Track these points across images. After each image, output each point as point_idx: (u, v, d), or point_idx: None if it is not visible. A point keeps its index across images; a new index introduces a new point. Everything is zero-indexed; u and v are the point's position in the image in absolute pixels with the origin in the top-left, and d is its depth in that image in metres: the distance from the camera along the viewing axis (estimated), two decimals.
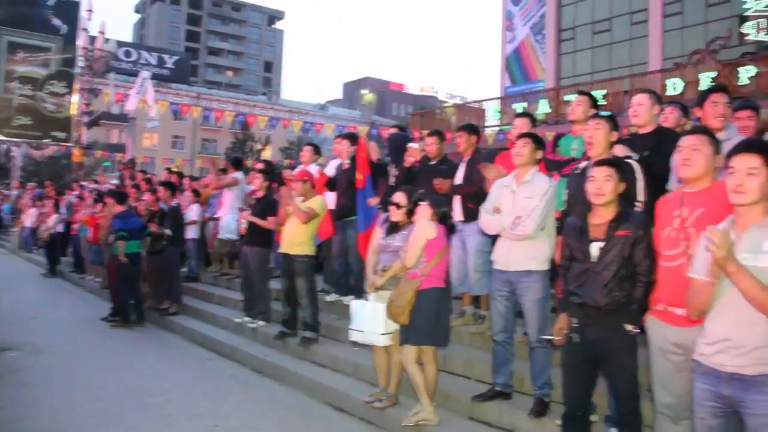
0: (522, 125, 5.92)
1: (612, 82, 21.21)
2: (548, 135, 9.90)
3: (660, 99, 5.07)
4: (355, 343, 5.80)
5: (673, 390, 3.47)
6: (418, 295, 4.96)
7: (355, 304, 5.61)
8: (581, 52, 26.47)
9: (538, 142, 4.98)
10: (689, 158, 3.40)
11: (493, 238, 5.10)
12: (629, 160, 4.25)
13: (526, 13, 28.38)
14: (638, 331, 3.72)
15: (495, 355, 5.10)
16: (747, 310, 2.71)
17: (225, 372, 7.24)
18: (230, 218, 10.17)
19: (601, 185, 3.77)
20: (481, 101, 27.60)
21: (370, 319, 5.34)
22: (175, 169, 14.80)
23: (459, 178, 6.31)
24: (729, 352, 2.78)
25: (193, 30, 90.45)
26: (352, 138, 8.27)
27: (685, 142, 3.47)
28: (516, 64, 28.58)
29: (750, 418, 2.73)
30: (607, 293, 3.69)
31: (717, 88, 4.73)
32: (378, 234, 5.61)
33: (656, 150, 4.55)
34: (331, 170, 8.52)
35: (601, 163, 3.88)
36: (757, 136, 4.72)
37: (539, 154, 4.95)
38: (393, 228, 5.43)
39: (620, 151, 4.46)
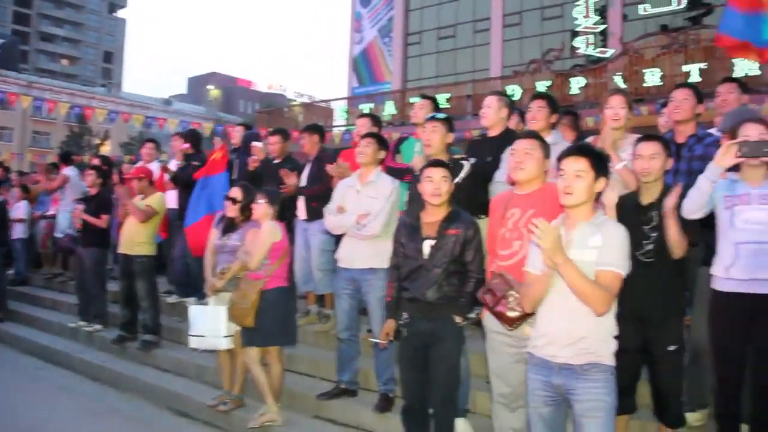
0: (364, 125, 5.99)
1: (455, 87, 22.02)
2: (394, 136, 10.11)
3: (512, 103, 5.27)
4: (196, 349, 5.64)
5: (508, 380, 3.65)
6: (263, 295, 4.90)
7: (194, 310, 5.46)
8: (427, 56, 27.26)
9: (382, 142, 5.06)
10: (522, 161, 3.56)
11: (337, 237, 5.13)
12: (464, 162, 4.43)
13: (375, 15, 28.80)
14: (465, 322, 3.89)
15: (340, 353, 5.13)
16: (574, 303, 2.86)
17: (56, 382, 6.78)
18: (64, 216, 9.51)
19: (439, 185, 3.88)
20: (329, 101, 27.72)
21: (212, 323, 5.21)
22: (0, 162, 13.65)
23: (304, 178, 6.29)
24: (558, 344, 2.92)
25: (22, 12, 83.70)
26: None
27: (518, 145, 3.63)
28: (364, 65, 28.94)
29: (577, 404, 2.90)
30: (437, 289, 3.84)
31: (537, 95, 5.02)
32: (214, 234, 5.48)
33: (496, 156, 4.79)
34: (174, 167, 8.21)
35: (438, 164, 3.98)
36: (578, 141, 5.07)
37: (382, 154, 5.02)
38: (229, 227, 5.34)
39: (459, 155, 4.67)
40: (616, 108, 4.41)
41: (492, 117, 5.07)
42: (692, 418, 4.03)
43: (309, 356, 6.02)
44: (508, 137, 4.95)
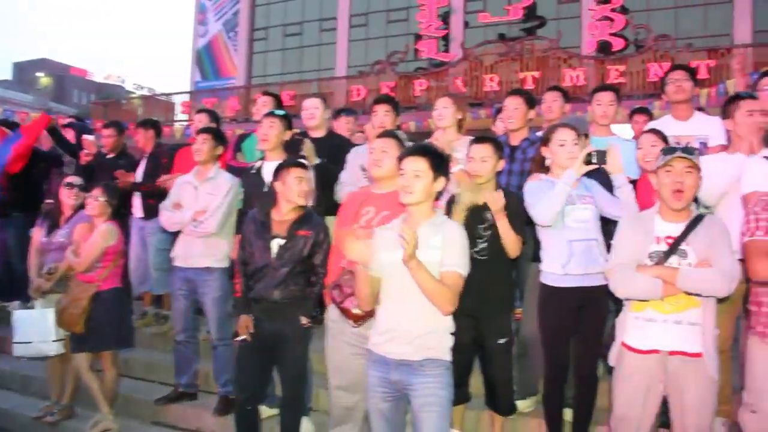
0: (201, 121, 5.86)
1: (301, 85, 22.00)
2: (238, 132, 9.93)
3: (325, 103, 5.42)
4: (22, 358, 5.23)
5: (346, 375, 3.67)
6: (95, 298, 4.65)
7: (19, 315, 5.05)
8: (272, 53, 26.93)
9: (219, 138, 4.96)
10: (380, 159, 3.61)
11: (174, 235, 4.97)
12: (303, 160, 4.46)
13: (220, 9, 28.06)
14: (310, 324, 3.91)
15: (177, 355, 4.97)
16: (413, 301, 2.93)
17: None
18: None
19: (303, 186, 3.88)
20: (170, 94, 26.79)
21: (39, 327, 4.88)
22: None
23: (140, 174, 6.03)
24: (397, 341, 2.98)
25: None
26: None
27: (377, 144, 3.68)
28: (207, 59, 28.11)
29: (415, 399, 2.98)
30: (283, 288, 3.83)
31: (379, 100, 5.12)
32: (39, 232, 5.13)
33: (331, 158, 4.86)
34: None
35: (292, 164, 3.96)
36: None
37: (219, 150, 4.92)
38: (54, 224, 5.04)
39: (308, 152, 4.70)
40: (439, 109, 4.68)
41: (319, 118, 5.22)
42: (522, 405, 4.27)
43: (146, 359, 5.79)
44: (333, 139, 5.14)
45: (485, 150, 3.82)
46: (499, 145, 3.94)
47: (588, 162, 3.60)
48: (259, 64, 27.06)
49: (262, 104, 5.67)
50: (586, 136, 4.16)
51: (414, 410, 3.01)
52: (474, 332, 3.78)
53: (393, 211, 3.44)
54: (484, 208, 3.79)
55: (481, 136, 4.04)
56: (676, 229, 3.10)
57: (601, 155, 3.60)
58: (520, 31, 20.19)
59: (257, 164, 4.69)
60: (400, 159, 3.08)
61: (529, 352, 4.19)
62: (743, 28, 17.74)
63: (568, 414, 3.95)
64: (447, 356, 3.03)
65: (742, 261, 3.15)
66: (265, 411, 4.47)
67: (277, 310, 3.87)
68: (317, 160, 4.72)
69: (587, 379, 3.79)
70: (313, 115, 5.27)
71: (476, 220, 3.78)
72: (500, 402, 3.96)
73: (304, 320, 3.88)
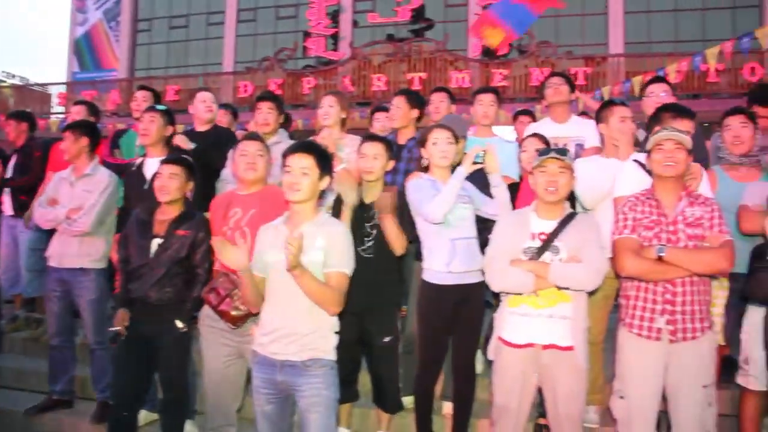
0: (79, 113, 5.59)
1: (186, 79, 21.41)
2: (119, 126, 9.54)
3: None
4: None
5: (223, 376, 3.62)
6: None
7: None
8: (157, 45, 26.04)
9: (94, 133, 4.74)
10: (254, 162, 3.61)
11: (48, 235, 4.71)
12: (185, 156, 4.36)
13: None
14: (185, 328, 3.81)
15: (52, 360, 4.72)
16: (297, 300, 2.91)
17: None
18: None
19: (167, 183, 3.79)
20: (46, 85, 25.39)
21: None
22: None
23: (10, 168, 5.69)
24: (282, 341, 2.96)
25: None
26: None
27: (249, 147, 3.67)
28: (87, 50, 26.79)
29: (301, 399, 2.97)
30: (159, 289, 3.74)
31: (262, 97, 5.09)
32: None
33: (214, 145, 4.78)
34: None
35: (168, 161, 3.89)
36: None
37: (84, 142, 4.66)
38: None
39: (180, 140, 4.64)
40: (325, 107, 4.75)
41: (214, 112, 5.22)
42: (407, 401, 4.33)
43: (17, 367, 5.48)
44: (218, 132, 5.12)
45: (377, 147, 3.85)
46: (390, 144, 3.99)
47: (475, 161, 3.69)
48: (142, 57, 26.12)
49: (142, 99, 5.50)
50: (464, 138, 4.27)
51: (300, 411, 3.01)
52: (360, 330, 3.81)
53: (259, 209, 3.49)
54: (371, 206, 3.82)
55: (373, 135, 4.09)
56: (550, 226, 3.27)
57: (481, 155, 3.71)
58: (408, 33, 20.49)
59: (138, 161, 4.53)
60: (285, 155, 3.05)
61: (415, 349, 4.26)
62: (617, 39, 18.82)
63: (448, 407, 4.05)
64: (332, 355, 3.04)
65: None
66: (147, 416, 4.34)
67: (154, 313, 3.76)
68: (191, 145, 4.65)
69: (465, 373, 3.89)
70: (211, 108, 5.23)
71: (363, 218, 3.81)
72: (387, 400, 4.00)
73: (180, 324, 3.77)
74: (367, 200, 3.85)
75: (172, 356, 3.81)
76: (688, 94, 15.57)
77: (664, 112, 3.85)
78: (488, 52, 18.14)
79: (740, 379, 3.63)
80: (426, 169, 3.90)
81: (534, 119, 6.13)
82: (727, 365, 3.98)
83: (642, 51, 17.92)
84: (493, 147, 3.84)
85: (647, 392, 3.24)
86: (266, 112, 4.85)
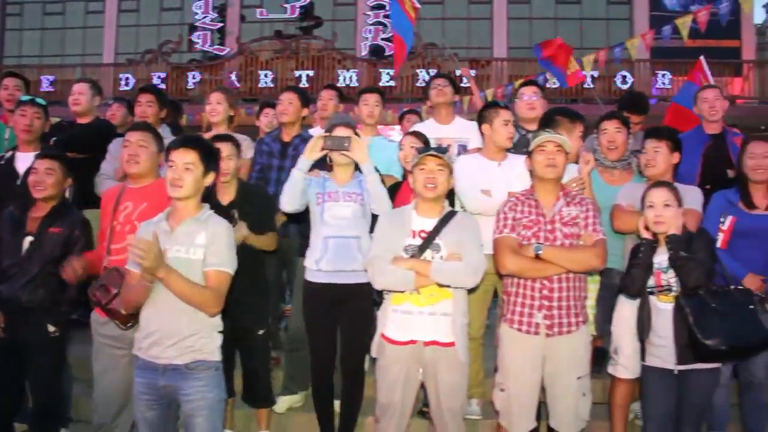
0: None
1: (62, 69, 20.37)
2: None
3: (100, 90, 5.17)
4: None
5: (113, 384, 3.48)
6: None
7: None
8: (29, 32, 24.62)
9: None
10: (137, 154, 3.48)
11: None
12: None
13: None
14: (57, 332, 3.66)
15: None
16: (174, 301, 2.83)
17: None
18: None
19: (43, 178, 3.62)
20: None
21: None
22: None
23: None
24: (162, 344, 2.87)
25: None
26: None
27: (131, 137, 3.53)
28: None
29: (186, 403, 2.90)
30: (31, 290, 3.55)
31: (144, 89, 5.02)
32: None
33: (96, 146, 4.61)
34: None
35: (44, 155, 3.73)
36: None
37: None
38: None
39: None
40: (213, 104, 4.79)
41: (85, 105, 4.97)
42: (292, 400, 4.34)
43: None
44: (98, 126, 4.95)
45: (228, 148, 3.83)
46: (236, 143, 3.99)
47: (323, 147, 3.67)
48: (12, 43, 24.60)
49: (14, 87, 5.17)
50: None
51: (185, 415, 2.93)
52: (233, 325, 3.75)
53: (150, 203, 3.40)
54: (230, 206, 3.82)
55: (221, 134, 4.09)
56: (430, 224, 3.34)
57: (338, 141, 3.63)
58: (296, 30, 20.33)
59: (7, 154, 4.28)
60: (168, 150, 2.98)
61: (298, 347, 4.25)
62: (500, 44, 19.46)
63: (337, 405, 4.06)
64: (216, 356, 2.98)
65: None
66: (18, 427, 4.09)
67: (24, 315, 3.56)
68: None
69: (352, 372, 3.91)
70: (78, 101, 4.94)
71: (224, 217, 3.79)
72: (258, 396, 4.02)
73: (51, 328, 3.60)
74: (223, 201, 3.84)
75: (43, 362, 3.61)
76: (567, 98, 16.33)
77: (558, 115, 3.99)
78: (376, 52, 18.32)
79: (611, 369, 3.83)
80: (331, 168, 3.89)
81: (421, 119, 6.24)
82: (599, 356, 4.20)
83: (524, 56, 18.60)
84: (359, 138, 3.77)
85: (526, 384, 3.37)
86: (145, 106, 4.73)
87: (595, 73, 16.01)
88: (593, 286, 3.93)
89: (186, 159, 2.89)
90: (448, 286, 3.27)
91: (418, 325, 3.30)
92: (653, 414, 3.51)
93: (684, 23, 8.24)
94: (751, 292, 3.47)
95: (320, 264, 3.73)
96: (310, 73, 17.47)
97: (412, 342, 3.31)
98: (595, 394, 3.68)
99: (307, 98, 4.89)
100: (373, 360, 3.55)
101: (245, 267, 3.69)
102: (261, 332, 3.94)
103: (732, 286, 3.47)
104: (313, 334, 3.91)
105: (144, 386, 2.93)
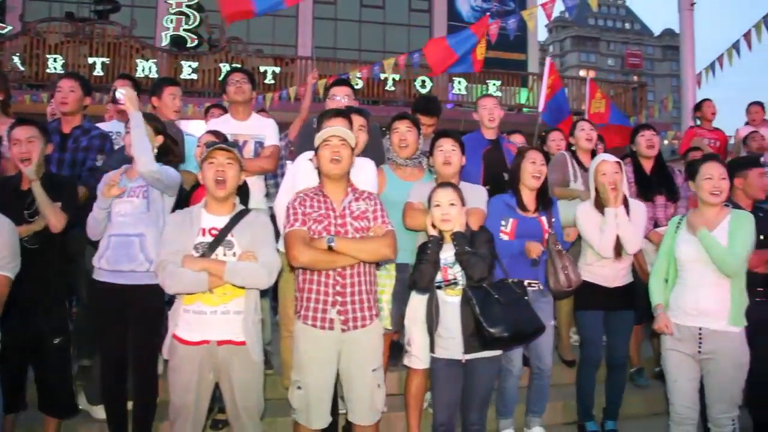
0: None
1: None
2: None
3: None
4: None
5: None
6: None
7: None
8: None
9: None
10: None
11: None
12: None
13: None
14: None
15: None
16: None
17: None
18: None
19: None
20: None
21: None
22: None
23: None
24: None
25: None
26: None
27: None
28: None
29: None
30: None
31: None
32: None
33: None
34: None
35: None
36: None
37: None
38: None
39: None
40: None
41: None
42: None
43: None
44: None
45: (30, 131, 3.69)
46: (45, 130, 3.82)
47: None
48: None
49: None
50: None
51: None
52: (27, 333, 3.53)
53: None
54: (29, 193, 3.62)
55: (21, 119, 3.88)
56: (222, 221, 3.31)
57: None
58: (91, 13, 19.03)
59: None
60: None
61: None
62: (305, 42, 19.56)
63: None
64: None
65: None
66: None
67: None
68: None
69: (143, 374, 3.77)
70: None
71: (20, 206, 3.59)
72: (59, 405, 3.77)
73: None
74: (24, 187, 3.66)
75: None
76: (369, 99, 16.78)
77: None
78: (178, 43, 17.63)
79: (406, 360, 3.98)
80: None
81: (226, 113, 6.11)
82: (395, 349, 4.35)
83: (329, 56, 18.86)
84: (130, 90, 3.77)
85: (323, 379, 3.41)
86: None
87: (397, 77, 16.67)
88: (389, 281, 4.05)
89: None
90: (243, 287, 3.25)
91: (211, 324, 3.25)
92: (442, 402, 3.71)
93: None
94: (523, 284, 3.81)
95: (101, 262, 3.63)
96: (106, 60, 16.37)
97: (205, 342, 3.25)
98: (392, 386, 3.82)
99: (88, 86, 4.61)
100: (166, 361, 3.43)
101: (43, 267, 3.47)
102: (57, 341, 3.69)
103: (510, 280, 3.76)
104: (100, 332, 3.78)
105: None
